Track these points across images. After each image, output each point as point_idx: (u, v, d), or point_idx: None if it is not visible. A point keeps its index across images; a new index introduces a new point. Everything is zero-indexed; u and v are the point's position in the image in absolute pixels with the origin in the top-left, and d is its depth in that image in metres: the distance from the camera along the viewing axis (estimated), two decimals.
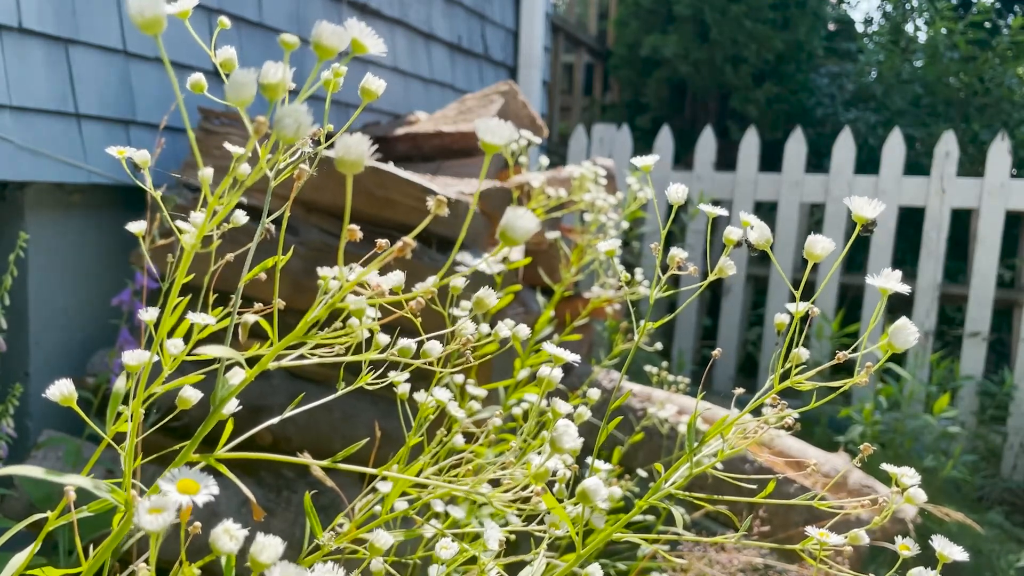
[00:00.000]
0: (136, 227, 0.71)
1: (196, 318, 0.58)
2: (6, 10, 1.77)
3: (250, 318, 0.56)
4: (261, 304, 0.64)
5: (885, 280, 0.56)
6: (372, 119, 2.94)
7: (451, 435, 0.87)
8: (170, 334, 0.59)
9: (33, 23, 1.83)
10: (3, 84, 1.78)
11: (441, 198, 0.43)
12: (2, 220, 1.98)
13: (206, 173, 0.54)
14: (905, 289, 0.57)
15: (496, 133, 0.41)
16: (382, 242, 0.47)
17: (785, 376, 0.69)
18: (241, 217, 0.65)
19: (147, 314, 0.58)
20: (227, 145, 0.63)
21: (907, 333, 0.55)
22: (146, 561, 0.67)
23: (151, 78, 2.17)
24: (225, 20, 0.65)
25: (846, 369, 3.40)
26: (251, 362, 0.57)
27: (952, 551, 0.63)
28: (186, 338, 0.62)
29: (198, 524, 0.62)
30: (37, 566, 0.69)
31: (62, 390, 0.67)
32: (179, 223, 0.56)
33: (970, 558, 2.56)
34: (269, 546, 0.46)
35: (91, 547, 0.67)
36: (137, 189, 2.18)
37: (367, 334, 0.54)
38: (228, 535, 0.45)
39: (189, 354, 0.62)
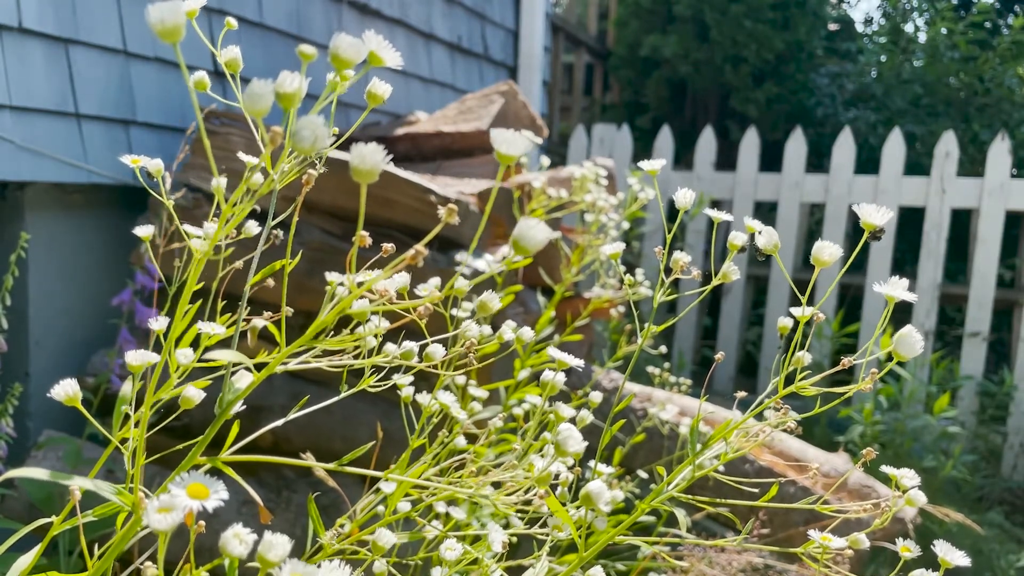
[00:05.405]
0: (144, 231, 0.71)
1: (206, 328, 0.58)
2: (6, 10, 1.77)
3: (259, 323, 0.56)
4: (265, 305, 0.64)
5: (892, 288, 0.55)
6: (372, 119, 2.93)
7: (452, 436, 0.87)
8: (178, 340, 0.59)
9: (33, 23, 1.83)
10: (3, 84, 1.78)
11: (452, 207, 0.44)
12: (2, 220, 1.98)
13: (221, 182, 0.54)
14: (912, 297, 0.57)
15: (512, 144, 0.41)
16: (388, 246, 0.47)
17: (789, 381, 0.69)
18: (253, 228, 0.65)
19: (157, 323, 0.58)
20: (240, 154, 0.63)
21: (912, 341, 0.55)
22: (152, 560, 0.67)
23: (151, 78, 2.16)
24: (232, 21, 0.65)
25: (846, 369, 3.40)
26: (257, 366, 0.57)
27: (954, 556, 0.63)
28: (194, 343, 0.62)
29: (202, 524, 0.62)
30: (39, 567, 0.69)
31: (67, 390, 0.67)
32: (188, 228, 0.56)
33: (970, 558, 2.56)
34: (277, 544, 0.47)
35: (94, 547, 0.67)
36: (137, 189, 2.18)
37: (374, 341, 0.54)
38: (238, 539, 0.45)
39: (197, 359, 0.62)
